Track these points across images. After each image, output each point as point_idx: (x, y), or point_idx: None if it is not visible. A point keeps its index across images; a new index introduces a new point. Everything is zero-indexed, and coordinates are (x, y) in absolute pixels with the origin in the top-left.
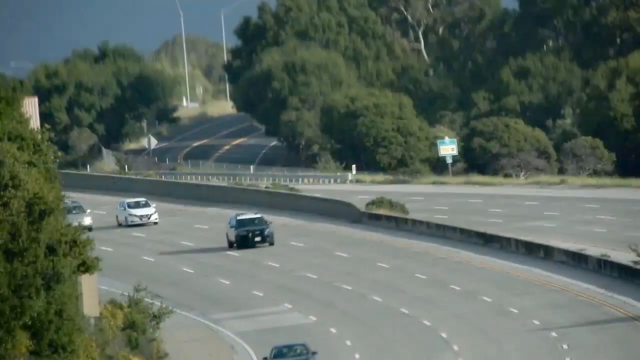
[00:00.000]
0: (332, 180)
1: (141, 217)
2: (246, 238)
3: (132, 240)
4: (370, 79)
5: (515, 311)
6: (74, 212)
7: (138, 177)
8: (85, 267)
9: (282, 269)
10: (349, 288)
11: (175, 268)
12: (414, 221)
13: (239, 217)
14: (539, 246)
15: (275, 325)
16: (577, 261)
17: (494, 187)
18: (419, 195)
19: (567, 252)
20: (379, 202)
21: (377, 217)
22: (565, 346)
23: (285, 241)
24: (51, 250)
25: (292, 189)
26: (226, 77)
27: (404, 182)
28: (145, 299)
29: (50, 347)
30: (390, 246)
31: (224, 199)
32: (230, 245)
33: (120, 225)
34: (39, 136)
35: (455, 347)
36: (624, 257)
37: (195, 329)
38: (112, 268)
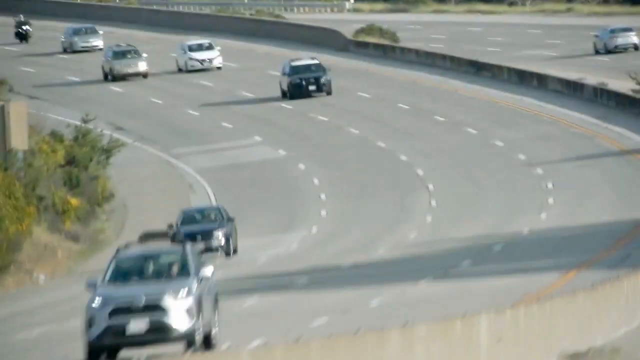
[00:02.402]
0: (329, 9)
1: (202, 61)
2: (300, 86)
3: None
4: None
5: (501, 144)
6: (129, 56)
7: (117, 4)
8: None
9: (257, 99)
10: (325, 119)
11: (144, 98)
12: (403, 49)
13: (292, 64)
14: (532, 74)
15: (240, 160)
16: (572, 90)
17: (497, 16)
18: (417, 24)
19: (561, 81)
20: (368, 29)
21: (364, 45)
22: (549, 185)
23: (265, 70)
24: None
25: (277, 16)
26: None
27: (403, 10)
28: (98, 130)
29: None
30: (375, 75)
31: (207, 27)
32: (284, 95)
33: (180, 70)
34: None
35: (431, 186)
36: (623, 85)
37: (154, 165)
38: (78, 99)
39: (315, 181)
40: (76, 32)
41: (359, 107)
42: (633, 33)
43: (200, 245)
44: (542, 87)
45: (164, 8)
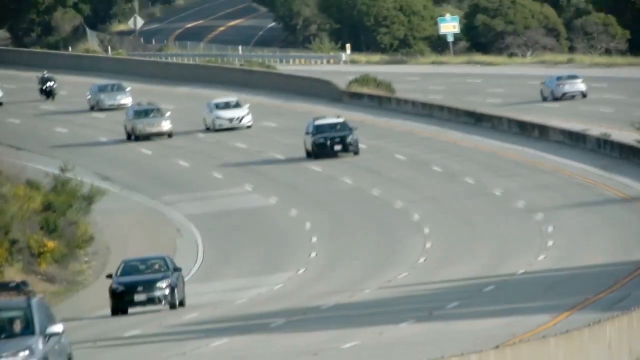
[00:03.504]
0: (324, 61)
1: (231, 119)
2: (324, 146)
3: (90, 121)
4: None
5: (499, 193)
6: (151, 115)
7: (105, 55)
8: None
9: (249, 151)
10: (319, 170)
11: (134, 149)
12: (399, 100)
13: (316, 122)
14: (533, 125)
15: (230, 207)
16: (574, 141)
17: (497, 67)
18: (415, 75)
19: (563, 132)
20: (362, 80)
21: (359, 96)
22: (550, 228)
23: (258, 122)
24: None
25: (268, 66)
26: None
27: (401, 62)
28: (78, 179)
29: None
30: (370, 126)
31: (196, 77)
32: (308, 155)
33: (208, 129)
34: None
35: (426, 230)
36: (627, 136)
37: (142, 212)
38: (67, 150)
39: (307, 225)
40: (102, 89)
41: (353, 158)
42: (579, 80)
43: (142, 297)
44: (543, 138)
45: (151, 59)
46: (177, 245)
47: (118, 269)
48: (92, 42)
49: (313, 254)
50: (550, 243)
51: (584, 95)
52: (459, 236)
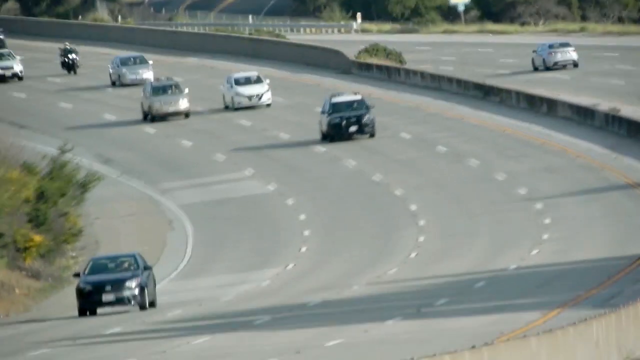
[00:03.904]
0: (335, 30)
1: (250, 97)
2: (339, 127)
3: (92, 95)
4: None
5: (502, 178)
6: (169, 92)
7: (112, 24)
8: None
9: (254, 128)
10: (323, 150)
11: (139, 128)
12: (408, 71)
13: (333, 100)
14: (541, 100)
15: (227, 195)
16: (582, 117)
17: (509, 36)
18: (426, 45)
19: (572, 107)
20: (373, 49)
21: (368, 67)
22: (547, 220)
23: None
24: None
25: (277, 35)
26: None
27: (412, 31)
28: (75, 162)
29: None
30: (378, 100)
31: (204, 47)
32: (324, 137)
33: (227, 107)
34: None
35: (422, 222)
36: (636, 112)
37: (137, 201)
38: (71, 129)
39: (302, 217)
40: (124, 62)
41: (360, 138)
42: (572, 49)
43: (110, 297)
44: (551, 114)
45: (159, 28)
46: (167, 239)
47: (86, 267)
48: (101, 12)
49: (304, 249)
50: (545, 236)
51: (575, 64)
52: (455, 228)
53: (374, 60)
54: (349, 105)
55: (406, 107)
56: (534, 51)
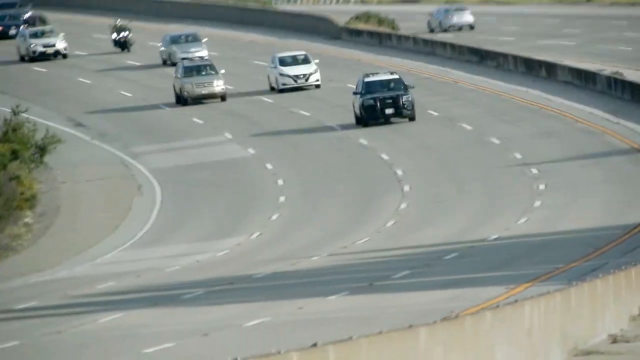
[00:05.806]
0: (333, 1)
1: (296, 78)
2: (373, 109)
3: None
4: None
5: (497, 142)
6: (203, 73)
7: None
8: None
9: (235, 91)
10: (307, 114)
11: (112, 91)
12: (399, 37)
13: (366, 79)
14: (540, 63)
15: (204, 159)
16: (583, 81)
17: (513, 6)
18: (427, 14)
19: (572, 70)
20: (364, 16)
21: (358, 33)
22: (541, 186)
23: (247, 60)
24: None
25: (264, 3)
26: None
27: (414, 1)
28: (32, 124)
29: None
30: (368, 65)
31: (190, 15)
32: (358, 121)
33: (272, 89)
34: None
35: (407, 188)
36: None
37: (107, 166)
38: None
39: (280, 182)
40: (175, 39)
41: (345, 101)
42: (468, 12)
43: None
44: (551, 78)
45: None
46: (133, 205)
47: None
48: None
49: (275, 216)
50: (537, 203)
51: (471, 27)
52: (441, 195)
53: (364, 26)
54: (384, 84)
55: (398, 72)
56: (429, 14)
